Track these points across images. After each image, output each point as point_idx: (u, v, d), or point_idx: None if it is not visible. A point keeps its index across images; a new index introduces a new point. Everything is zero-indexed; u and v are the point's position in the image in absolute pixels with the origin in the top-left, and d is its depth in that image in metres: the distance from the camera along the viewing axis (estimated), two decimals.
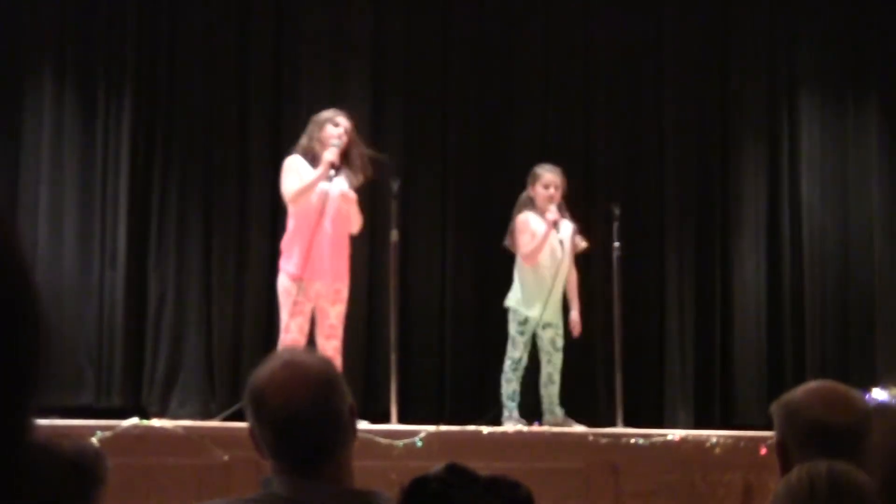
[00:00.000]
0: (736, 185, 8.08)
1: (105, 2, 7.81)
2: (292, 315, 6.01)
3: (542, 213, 6.53)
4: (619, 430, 6.17)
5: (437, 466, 1.97)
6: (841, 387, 2.46)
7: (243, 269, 7.72)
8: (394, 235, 6.44)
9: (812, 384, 2.48)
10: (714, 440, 5.84)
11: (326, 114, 6.25)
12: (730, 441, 5.84)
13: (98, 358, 7.50)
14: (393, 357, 6.43)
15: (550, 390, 6.61)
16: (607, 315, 7.03)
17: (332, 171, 6.03)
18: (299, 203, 6.07)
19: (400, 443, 5.60)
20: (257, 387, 2.19)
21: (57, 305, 7.45)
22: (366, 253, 7.64)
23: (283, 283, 6.12)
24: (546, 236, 6.49)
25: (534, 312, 6.51)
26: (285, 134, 7.76)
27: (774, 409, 2.47)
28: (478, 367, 7.79)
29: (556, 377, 6.61)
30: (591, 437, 5.87)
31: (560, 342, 6.62)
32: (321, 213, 5.99)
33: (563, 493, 5.57)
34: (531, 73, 8.08)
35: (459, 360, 7.78)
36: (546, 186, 6.54)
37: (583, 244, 6.67)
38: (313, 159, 6.11)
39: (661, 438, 5.87)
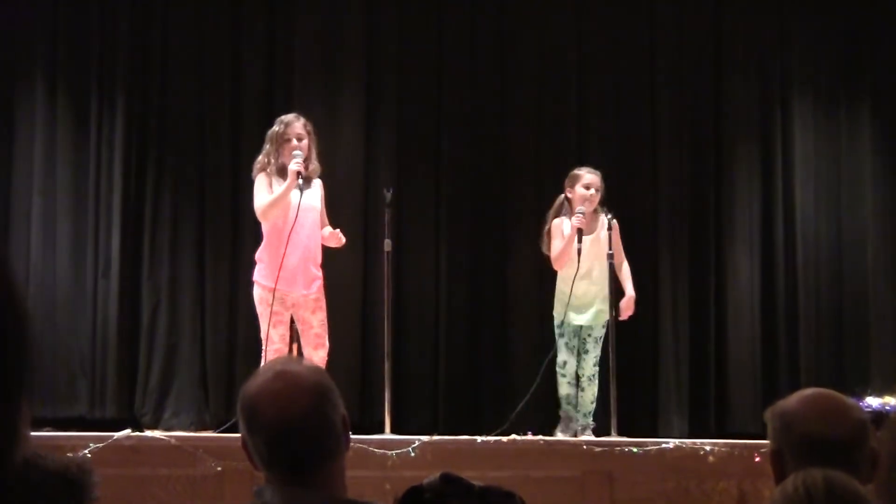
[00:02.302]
0: (729, 189, 8.08)
1: (97, 10, 7.80)
2: (274, 325, 6.04)
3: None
4: (614, 438, 6.16)
5: (431, 476, 1.96)
6: (836, 396, 2.46)
7: (237, 278, 7.71)
8: (387, 245, 6.44)
9: (807, 392, 2.47)
10: (708, 448, 5.83)
11: (275, 127, 6.20)
12: (724, 449, 5.83)
13: (91, 368, 7.49)
14: (387, 366, 6.42)
15: (581, 396, 6.62)
16: None
17: (301, 181, 6.03)
18: (269, 218, 6.10)
19: (394, 453, 5.59)
20: (249, 398, 2.18)
21: (50, 316, 7.44)
22: (360, 262, 7.64)
23: (258, 293, 6.16)
24: (570, 241, 6.48)
25: (568, 313, 6.52)
26: None
27: (769, 416, 2.46)
28: (472, 377, 7.79)
29: (585, 383, 6.59)
30: (585, 446, 5.86)
31: (590, 345, 6.60)
32: (290, 224, 6.01)
33: (557, 502, 5.55)
34: (525, 78, 8.08)
35: (454, 369, 7.77)
36: (587, 187, 6.56)
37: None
38: (280, 171, 6.12)
39: (655, 447, 5.86)
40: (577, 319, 6.58)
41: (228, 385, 7.47)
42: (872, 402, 6.45)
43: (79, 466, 1.54)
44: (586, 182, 6.58)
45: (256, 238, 7.68)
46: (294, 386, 2.15)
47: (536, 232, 7.84)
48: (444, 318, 7.83)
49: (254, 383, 2.19)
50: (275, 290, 6.02)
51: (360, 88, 7.96)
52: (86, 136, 7.69)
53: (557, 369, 6.64)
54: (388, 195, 6.49)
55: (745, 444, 5.91)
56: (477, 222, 7.95)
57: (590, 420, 6.56)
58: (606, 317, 6.57)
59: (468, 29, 8.12)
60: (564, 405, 6.63)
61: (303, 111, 7.43)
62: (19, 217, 7.61)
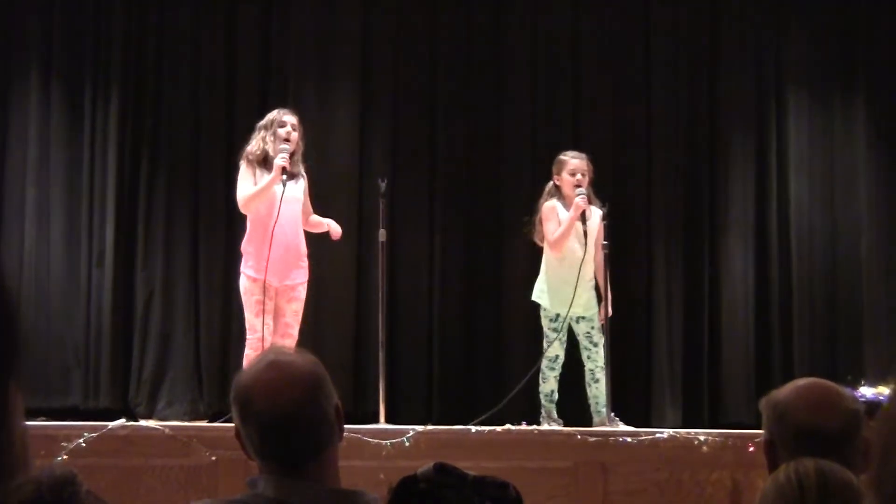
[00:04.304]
0: (724, 182, 8.08)
1: (92, 2, 7.78)
2: (258, 314, 6.14)
3: (569, 201, 6.47)
4: (608, 428, 6.17)
5: (425, 466, 1.96)
6: (830, 386, 2.46)
7: (231, 268, 7.70)
8: (382, 235, 6.44)
9: (801, 382, 2.47)
10: (702, 439, 5.84)
11: (271, 116, 6.31)
12: (718, 439, 5.84)
13: (85, 359, 7.49)
14: (381, 357, 6.42)
15: (593, 390, 6.46)
16: None
17: (284, 176, 6.10)
18: (251, 209, 6.19)
19: (388, 442, 5.59)
20: (243, 387, 2.17)
21: (44, 307, 7.44)
22: (354, 252, 7.63)
23: (244, 284, 6.25)
24: (572, 222, 6.39)
25: (562, 307, 6.40)
26: None
27: (763, 406, 2.46)
28: (466, 367, 7.79)
29: (599, 374, 6.40)
30: (579, 436, 5.86)
31: (597, 336, 6.46)
32: (274, 217, 6.08)
33: (551, 492, 5.56)
34: (519, 69, 8.08)
35: (448, 359, 7.77)
36: (572, 173, 6.50)
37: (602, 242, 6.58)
38: (264, 162, 6.18)
39: (649, 437, 5.87)
40: (577, 309, 6.46)
41: (222, 375, 7.47)
42: (866, 392, 6.46)
43: (50, 481, 1.48)
44: (571, 168, 6.52)
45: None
46: (287, 376, 2.15)
47: (531, 222, 7.84)
48: (438, 308, 7.82)
49: (247, 373, 2.20)
50: (260, 280, 6.12)
51: (355, 78, 7.95)
52: (80, 128, 7.68)
53: (546, 364, 6.53)
54: (383, 185, 6.48)
55: (739, 434, 5.92)
56: (472, 212, 7.95)
57: (608, 411, 6.39)
58: (597, 306, 6.52)
59: (464, 20, 8.11)
60: (546, 403, 6.51)
61: (298, 102, 7.45)
62: (13, 208, 7.60)
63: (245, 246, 6.27)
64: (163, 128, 7.79)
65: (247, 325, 6.19)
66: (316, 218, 6.44)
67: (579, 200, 6.40)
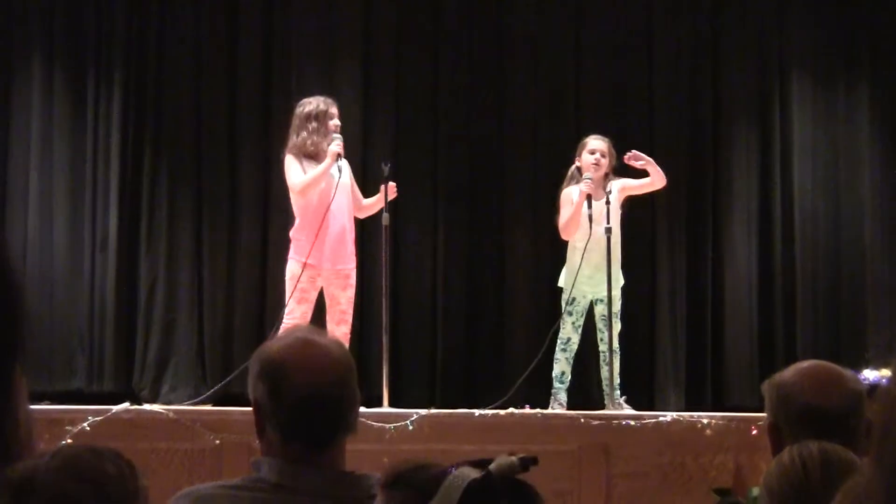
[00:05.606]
0: (727, 169, 8.07)
1: None
2: (299, 301, 6.15)
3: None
4: (611, 412, 6.17)
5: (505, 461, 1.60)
6: (833, 368, 2.46)
7: (234, 254, 7.72)
8: (385, 219, 6.43)
9: (804, 364, 2.48)
10: (705, 422, 5.84)
11: (320, 105, 6.26)
12: (721, 423, 5.84)
13: (89, 343, 7.51)
14: (385, 341, 6.43)
15: (604, 372, 6.49)
16: None
17: (339, 162, 6.14)
18: (308, 194, 6.17)
19: (391, 426, 5.60)
20: (275, 361, 2.12)
21: (48, 291, 7.46)
22: (357, 237, 7.63)
23: (293, 268, 6.22)
24: (578, 207, 6.40)
25: (578, 290, 6.44)
26: (275, 120, 7.74)
27: (766, 389, 2.46)
28: (469, 351, 7.80)
29: (610, 357, 6.40)
30: (582, 419, 5.87)
31: (612, 319, 6.44)
32: (328, 201, 6.11)
33: (554, 475, 5.56)
34: (522, 52, 8.06)
35: (451, 343, 7.78)
36: (592, 152, 6.52)
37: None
38: (310, 153, 6.17)
39: (652, 420, 5.87)
40: (590, 292, 6.50)
41: (226, 360, 7.49)
42: (869, 375, 6.46)
43: (111, 473, 1.49)
44: (591, 148, 6.54)
45: (254, 214, 7.72)
46: (326, 353, 2.13)
47: (534, 207, 7.85)
48: (441, 291, 7.83)
49: (278, 347, 2.15)
50: (306, 264, 6.10)
51: (358, 67, 7.94)
52: (83, 112, 7.68)
53: (559, 346, 6.56)
54: (386, 169, 6.47)
55: (743, 416, 5.92)
56: (475, 197, 7.95)
57: (619, 392, 6.41)
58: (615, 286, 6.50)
59: (466, 9, 8.09)
60: (557, 384, 6.54)
61: (300, 86, 7.44)
62: (17, 194, 7.61)
63: (295, 234, 6.26)
64: (165, 114, 7.79)
65: (286, 308, 6.17)
66: (368, 201, 6.48)
67: (583, 186, 6.41)
